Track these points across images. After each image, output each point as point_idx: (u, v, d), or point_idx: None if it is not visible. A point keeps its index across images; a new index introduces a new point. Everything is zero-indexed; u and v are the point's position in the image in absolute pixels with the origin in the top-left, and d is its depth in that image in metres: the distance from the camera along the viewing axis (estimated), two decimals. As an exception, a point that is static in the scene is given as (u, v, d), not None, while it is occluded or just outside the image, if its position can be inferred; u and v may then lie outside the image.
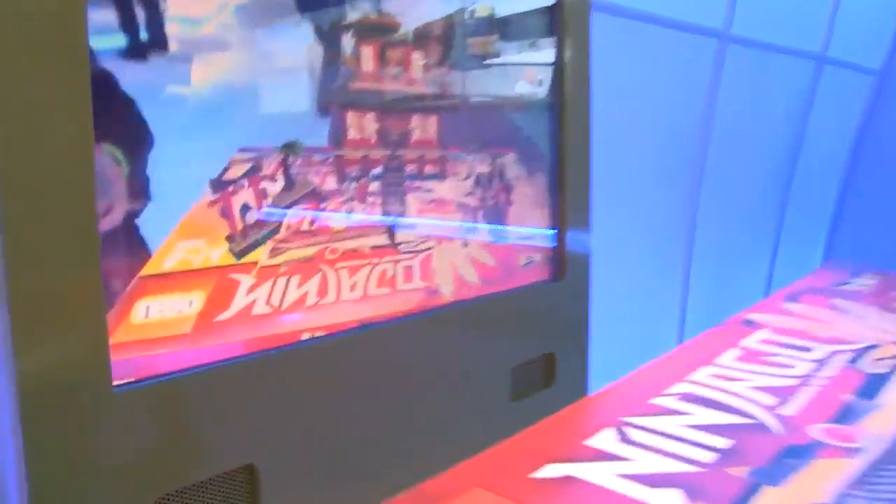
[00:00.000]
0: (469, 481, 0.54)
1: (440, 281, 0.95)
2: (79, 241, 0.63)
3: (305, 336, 0.82)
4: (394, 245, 0.89)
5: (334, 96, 0.82)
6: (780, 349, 0.63)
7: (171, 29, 0.70)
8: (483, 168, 1.00)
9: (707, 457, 0.47)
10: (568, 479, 0.48)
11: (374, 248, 0.87)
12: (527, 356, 1.06)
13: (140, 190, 0.69)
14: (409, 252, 0.91)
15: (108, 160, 0.66)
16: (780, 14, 2.01)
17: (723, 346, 0.63)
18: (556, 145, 1.09)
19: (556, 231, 1.09)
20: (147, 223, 0.70)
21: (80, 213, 0.63)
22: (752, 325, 0.68)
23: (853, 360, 0.60)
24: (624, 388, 0.57)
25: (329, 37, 0.81)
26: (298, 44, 0.79)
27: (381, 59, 0.87)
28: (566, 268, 1.09)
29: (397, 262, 0.90)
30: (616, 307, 1.71)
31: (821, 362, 0.59)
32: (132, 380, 0.68)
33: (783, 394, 0.54)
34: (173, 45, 0.70)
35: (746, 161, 2.11)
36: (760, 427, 0.49)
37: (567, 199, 1.09)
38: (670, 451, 0.47)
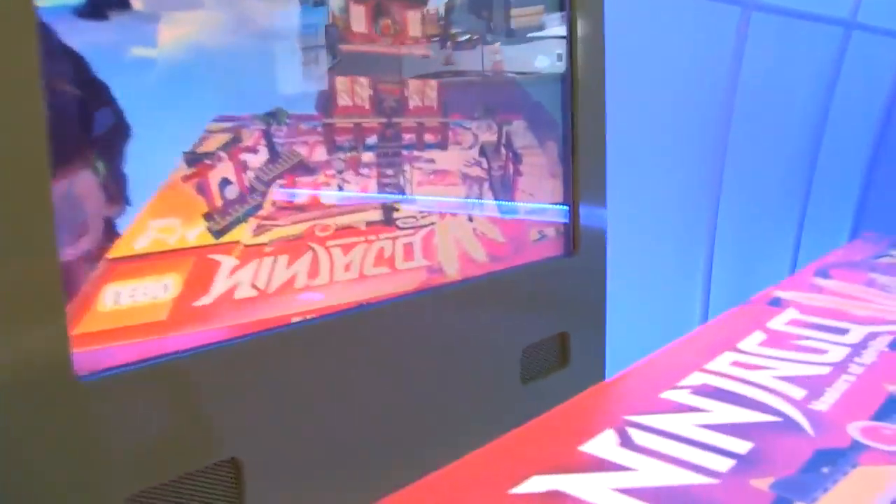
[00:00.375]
0: (437, 498, 0.46)
1: (444, 259, 0.88)
2: (31, 223, 0.57)
3: (295, 320, 0.75)
4: (392, 221, 0.82)
5: (322, 59, 0.75)
6: (810, 331, 0.55)
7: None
8: (489, 136, 0.92)
9: (723, 465, 0.39)
10: (555, 496, 0.40)
11: (370, 224, 0.80)
12: (538, 336, 1.00)
13: (105, 165, 0.62)
14: (409, 228, 0.84)
15: (66, 131, 0.59)
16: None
17: (746, 329, 0.55)
18: (568, 112, 1.01)
19: (568, 203, 1.02)
20: (113, 200, 0.64)
21: (32, 192, 0.57)
22: (779, 304, 0.60)
23: (895, 344, 0.52)
24: (632, 379, 0.49)
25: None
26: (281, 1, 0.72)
27: (375, 18, 0.79)
28: (579, 242, 1.02)
29: (396, 239, 0.83)
30: (638, 283, 1.65)
31: (858, 346, 0.51)
32: (99, 370, 0.62)
33: (815, 385, 0.46)
34: (136, 3, 0.63)
35: (771, 132, 2.02)
36: (788, 426, 0.41)
37: (580, 169, 1.01)
38: (680, 458, 0.39)
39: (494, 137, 0.93)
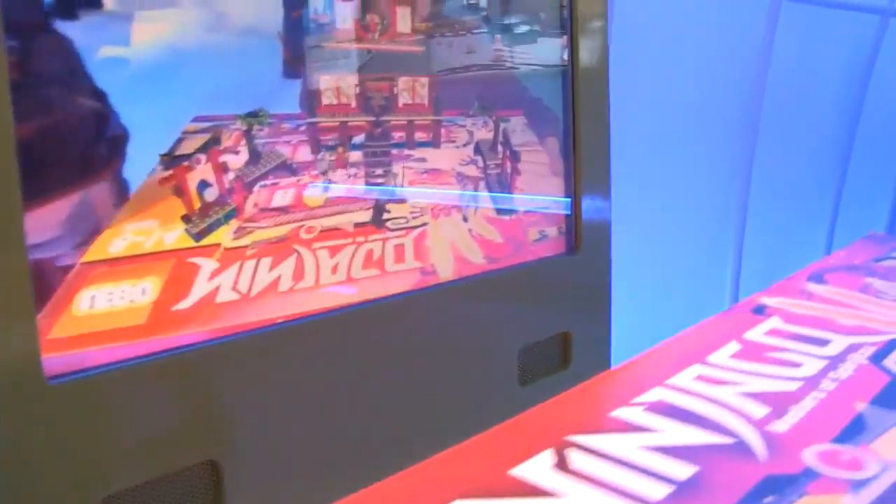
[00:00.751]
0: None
1: (437, 260, 0.85)
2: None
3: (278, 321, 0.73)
4: (381, 222, 0.80)
5: (305, 57, 0.73)
6: (789, 342, 0.52)
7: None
8: (485, 133, 0.89)
9: (660, 492, 0.36)
10: (470, 525, 0.37)
11: (358, 225, 0.78)
12: (537, 336, 0.97)
13: (77, 167, 0.61)
14: (400, 229, 0.82)
15: (35, 132, 0.58)
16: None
17: (722, 339, 0.52)
18: (569, 106, 0.98)
19: (569, 200, 0.99)
20: (87, 203, 0.62)
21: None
22: (762, 312, 0.57)
23: (877, 356, 0.49)
24: (585, 394, 0.46)
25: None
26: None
27: (362, 13, 0.77)
28: (581, 239, 0.99)
29: (386, 240, 0.80)
30: (664, 273, 1.61)
31: (836, 359, 0.48)
32: (70, 372, 0.61)
33: (780, 402, 0.43)
34: (108, 1, 0.61)
35: (804, 120, 1.98)
36: (740, 449, 0.38)
37: (582, 164, 0.98)
38: (615, 485, 0.36)
39: (490, 134, 0.90)
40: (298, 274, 0.74)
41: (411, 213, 0.83)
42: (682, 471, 0.37)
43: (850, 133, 2.15)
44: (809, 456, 0.38)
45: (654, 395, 0.42)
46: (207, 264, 0.69)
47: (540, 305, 0.97)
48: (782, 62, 1.78)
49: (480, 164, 0.89)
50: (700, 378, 0.45)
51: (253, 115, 0.69)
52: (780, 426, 0.40)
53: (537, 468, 0.37)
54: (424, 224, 0.84)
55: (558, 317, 0.99)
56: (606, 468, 0.37)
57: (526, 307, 0.95)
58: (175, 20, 0.65)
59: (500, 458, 0.37)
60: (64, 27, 0.59)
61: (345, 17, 0.76)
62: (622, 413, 0.41)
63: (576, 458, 0.37)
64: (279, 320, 0.73)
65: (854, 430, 0.39)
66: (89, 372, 0.62)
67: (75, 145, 0.60)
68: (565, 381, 0.94)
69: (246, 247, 0.71)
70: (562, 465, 0.37)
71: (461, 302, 0.88)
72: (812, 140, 2.10)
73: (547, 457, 0.38)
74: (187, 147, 0.66)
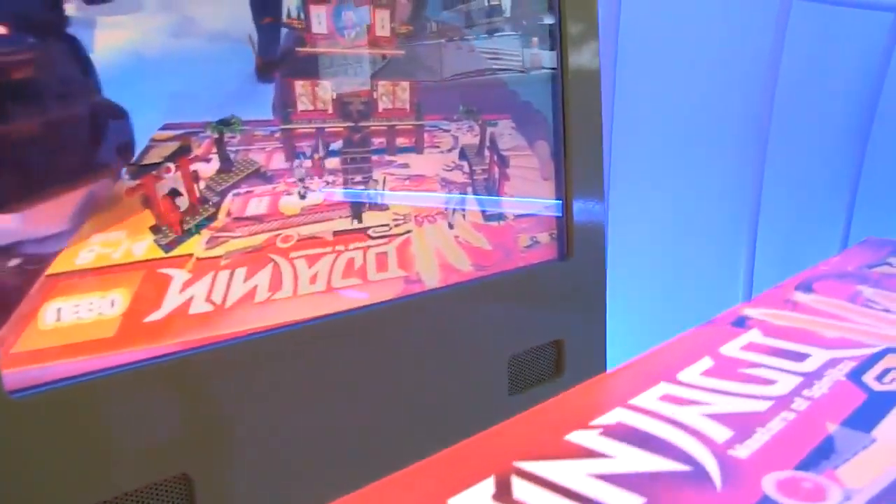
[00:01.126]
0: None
1: (422, 269, 0.83)
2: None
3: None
4: (362, 230, 0.78)
5: (278, 62, 0.71)
6: (766, 357, 0.49)
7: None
8: (470, 138, 0.87)
9: None
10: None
11: (338, 233, 0.76)
12: (528, 345, 0.94)
13: (42, 176, 0.60)
14: (382, 237, 0.79)
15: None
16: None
17: (695, 354, 0.49)
18: (559, 108, 0.95)
19: (561, 205, 0.96)
20: (51, 213, 0.60)
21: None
22: (743, 325, 0.54)
23: (855, 372, 0.46)
24: (544, 413, 0.44)
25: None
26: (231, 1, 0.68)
27: (337, 16, 0.75)
28: (573, 245, 0.96)
29: (367, 248, 0.78)
30: (675, 276, 1.59)
31: (812, 375, 0.45)
32: (33, 386, 0.59)
33: (746, 424, 0.40)
34: (69, 7, 0.60)
35: (817, 119, 1.95)
36: (696, 476, 0.36)
37: (573, 168, 0.96)
38: None
39: (476, 139, 0.88)
40: (276, 284, 0.72)
41: (394, 220, 0.80)
42: (629, 502, 0.34)
43: (864, 132, 2.11)
44: (768, 484, 0.35)
45: (614, 416, 0.40)
46: (179, 275, 0.67)
47: (531, 313, 0.94)
48: (795, 61, 1.75)
49: (466, 169, 0.87)
50: (666, 398, 0.42)
51: (225, 123, 0.67)
52: (742, 451, 0.37)
53: (477, 497, 0.34)
54: (408, 232, 0.82)
55: (550, 324, 0.97)
56: (549, 498, 0.34)
57: (516, 315, 0.92)
58: (141, 26, 0.63)
59: (440, 485, 0.34)
60: (26, 34, 0.57)
61: (320, 20, 0.73)
62: (577, 436, 0.38)
63: (518, 487, 0.35)
64: (254, 330, 0.71)
65: (821, 455, 0.36)
66: (54, 385, 0.60)
67: (37, 153, 0.59)
68: (559, 390, 0.92)
69: (220, 257, 0.69)
70: (502, 494, 0.34)
71: (447, 310, 0.85)
72: (825, 139, 2.07)
73: (489, 485, 0.35)
74: (156, 155, 0.64)
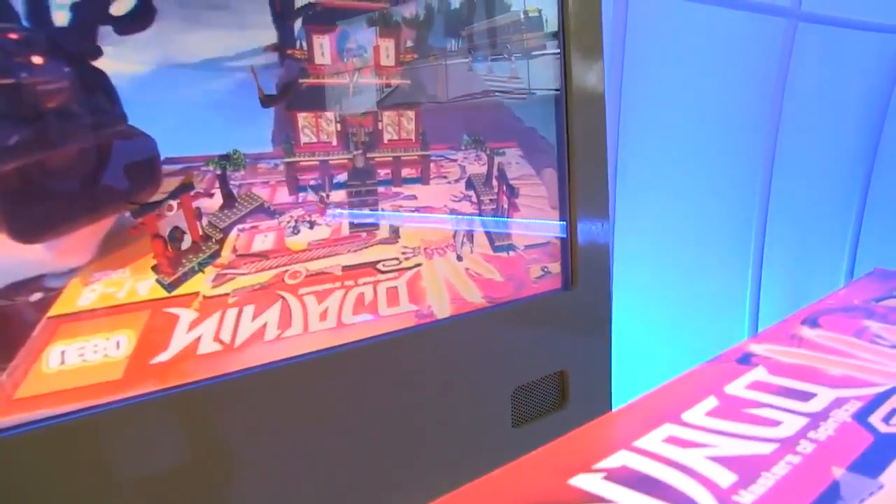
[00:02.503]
0: None
1: (434, 302, 0.82)
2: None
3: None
4: (372, 263, 0.77)
5: (281, 94, 0.70)
6: (771, 397, 0.48)
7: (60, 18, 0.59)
8: (478, 167, 0.86)
9: None
10: None
11: (347, 268, 0.75)
12: (531, 376, 0.93)
13: (41, 214, 0.59)
14: (392, 271, 0.79)
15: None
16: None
17: (700, 393, 0.48)
18: (564, 138, 0.95)
19: (565, 234, 0.95)
20: (51, 253, 0.60)
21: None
22: (748, 362, 0.53)
23: (863, 413, 0.45)
24: (550, 455, 0.43)
25: (272, 23, 0.70)
26: (233, 33, 0.68)
27: (340, 48, 0.74)
28: (577, 275, 0.95)
29: (377, 283, 0.77)
30: (678, 306, 1.58)
31: (818, 416, 0.44)
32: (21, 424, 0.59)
33: (751, 468, 0.39)
34: (69, 45, 0.60)
35: (823, 141, 1.93)
36: None
37: (577, 196, 0.95)
38: None
39: (484, 168, 0.87)
40: (285, 321, 0.71)
41: (403, 253, 0.80)
42: (630, 553, 0.33)
43: (870, 156, 2.10)
44: (774, 535, 0.34)
45: (619, 459, 0.39)
46: (186, 314, 0.66)
47: (534, 344, 0.93)
48: (800, 87, 1.74)
49: (474, 199, 0.86)
50: (670, 439, 0.41)
51: (226, 158, 0.67)
52: (747, 497, 0.36)
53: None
54: (418, 265, 0.81)
55: (554, 355, 0.96)
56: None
57: (519, 346, 0.91)
58: (141, 58, 0.63)
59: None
60: (23, 68, 0.57)
61: (323, 50, 0.73)
62: (580, 480, 0.37)
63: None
64: (260, 364, 0.70)
65: (826, 501, 0.35)
66: (45, 423, 0.60)
67: (35, 191, 0.58)
68: (563, 421, 0.91)
69: (227, 295, 0.68)
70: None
71: (451, 341, 0.85)
72: (831, 165, 2.06)
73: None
74: (157, 192, 0.64)
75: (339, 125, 0.74)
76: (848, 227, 2.11)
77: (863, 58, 1.94)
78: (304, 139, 0.72)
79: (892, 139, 2.06)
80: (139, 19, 0.61)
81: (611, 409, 1.01)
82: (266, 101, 0.69)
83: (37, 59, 0.57)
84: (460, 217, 0.85)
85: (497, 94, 0.88)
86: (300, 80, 0.71)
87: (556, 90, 0.93)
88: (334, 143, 0.74)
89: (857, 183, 2.08)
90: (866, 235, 2.11)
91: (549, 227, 0.93)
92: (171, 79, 0.64)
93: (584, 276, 0.95)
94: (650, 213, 1.50)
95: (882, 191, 2.10)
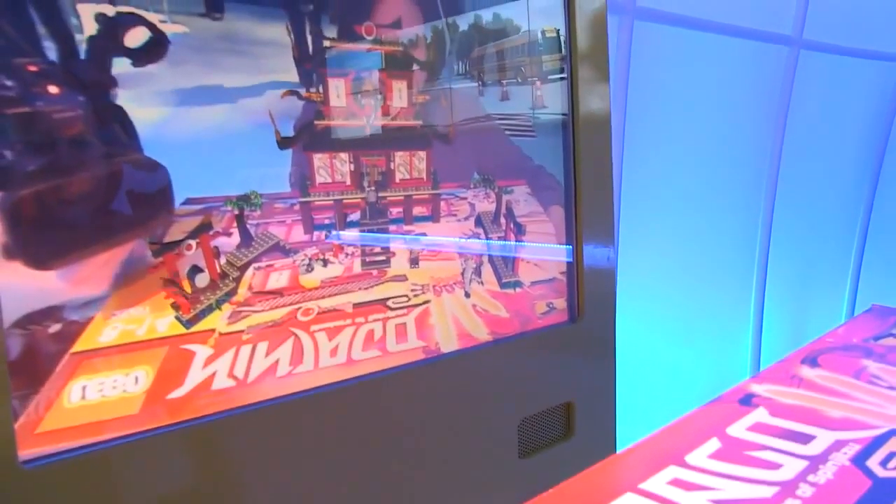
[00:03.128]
0: None
1: (441, 338, 0.84)
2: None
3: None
4: (382, 300, 0.79)
5: (297, 136, 0.72)
6: (772, 439, 0.49)
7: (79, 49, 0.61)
8: (486, 205, 0.88)
9: None
10: None
11: (358, 305, 0.77)
12: (537, 408, 0.94)
13: (63, 253, 0.61)
14: (401, 307, 0.80)
15: (17, 214, 0.58)
16: (856, 16, 1.86)
17: (703, 435, 0.50)
18: (569, 170, 0.96)
19: (571, 267, 0.97)
20: (75, 291, 0.61)
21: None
22: (749, 403, 0.55)
23: (861, 456, 0.46)
24: (558, 497, 0.44)
25: (287, 67, 0.72)
26: (249, 77, 0.70)
27: (354, 91, 0.76)
28: (584, 307, 0.97)
29: (387, 320, 0.79)
30: (683, 334, 1.59)
31: (817, 459, 0.46)
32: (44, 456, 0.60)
33: None
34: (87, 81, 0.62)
35: (824, 173, 1.95)
36: None
37: (582, 231, 0.96)
38: None
39: (492, 206, 0.89)
40: (297, 358, 0.73)
41: (412, 290, 0.81)
42: None
43: (872, 184, 2.11)
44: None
45: (625, 501, 0.41)
46: (202, 351, 0.68)
47: (540, 376, 0.94)
48: (802, 118, 1.76)
49: (483, 236, 0.88)
50: (675, 482, 0.43)
51: (244, 199, 0.69)
52: (747, 542, 0.38)
53: None
54: (426, 302, 0.82)
55: (561, 386, 0.97)
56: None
57: (526, 377, 0.93)
58: (162, 99, 0.65)
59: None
60: (42, 102, 0.59)
61: (337, 93, 0.75)
62: (586, 526, 0.39)
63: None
64: (270, 397, 0.72)
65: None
66: (68, 455, 0.61)
67: (57, 230, 0.60)
68: (568, 452, 0.93)
69: (241, 331, 0.70)
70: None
71: (458, 374, 0.86)
72: (833, 193, 2.07)
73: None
74: (177, 231, 0.65)
75: (352, 165, 0.76)
76: (850, 257, 2.12)
77: (864, 87, 1.95)
78: (319, 179, 0.74)
79: (893, 169, 2.07)
80: (154, 52, 0.63)
81: (615, 439, 1.02)
82: (283, 143, 0.70)
83: (53, 90, 0.58)
84: (469, 254, 0.86)
85: (504, 130, 0.89)
86: (315, 122, 0.73)
87: (564, 123, 0.95)
88: (348, 182, 0.76)
89: (859, 211, 2.09)
90: (868, 266, 2.12)
91: (556, 258, 0.95)
92: (189, 119, 0.66)
93: (589, 307, 0.97)
94: (651, 245, 1.51)
95: (883, 221, 2.11)
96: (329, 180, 0.74)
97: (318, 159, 0.74)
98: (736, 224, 1.74)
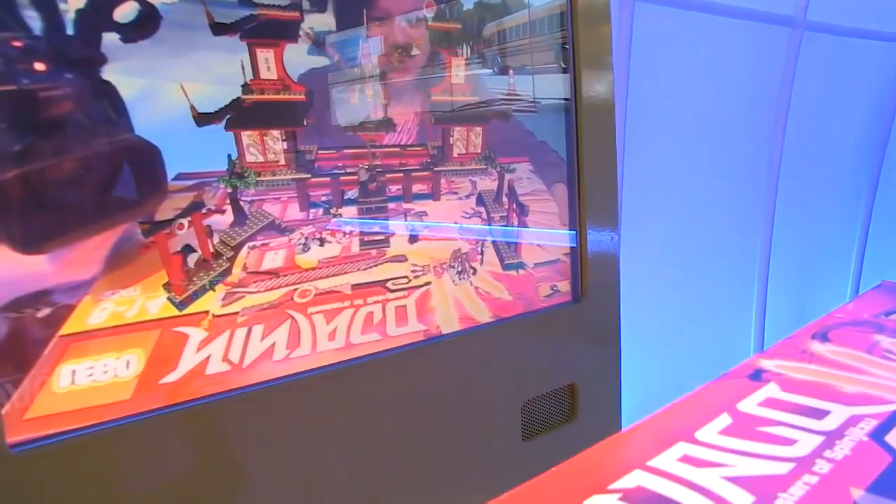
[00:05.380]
0: None
1: (442, 321, 0.82)
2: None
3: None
4: (381, 282, 0.77)
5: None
6: (785, 414, 0.47)
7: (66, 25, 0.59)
8: (488, 183, 0.86)
9: None
10: None
11: (357, 286, 0.75)
12: (540, 390, 0.93)
13: (49, 235, 0.59)
14: (402, 289, 0.79)
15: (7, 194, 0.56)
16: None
17: (713, 411, 0.48)
18: (572, 147, 0.94)
19: (575, 246, 0.95)
20: (62, 271, 0.60)
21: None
22: (760, 378, 0.53)
23: (879, 431, 0.44)
24: (566, 474, 0.43)
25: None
26: (239, 52, 0.68)
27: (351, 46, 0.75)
28: (587, 287, 0.95)
29: (386, 302, 0.77)
30: (683, 321, 1.58)
31: (833, 434, 0.44)
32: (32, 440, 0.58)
33: (768, 489, 0.39)
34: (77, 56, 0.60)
35: (828, 151, 1.93)
36: None
37: (586, 208, 0.94)
38: None
39: (494, 184, 0.87)
40: (294, 341, 0.71)
41: (412, 271, 0.79)
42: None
43: (876, 166, 2.09)
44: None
45: (633, 479, 0.39)
46: (196, 333, 0.66)
47: (543, 358, 0.93)
48: (806, 96, 1.74)
49: (484, 215, 0.86)
50: (685, 459, 0.41)
51: (238, 174, 0.67)
52: (765, 518, 0.36)
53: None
54: (427, 283, 0.81)
55: (564, 367, 0.95)
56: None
57: (529, 359, 0.91)
58: (154, 73, 0.63)
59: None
60: (27, 80, 0.57)
61: (336, 61, 0.73)
62: (596, 502, 0.37)
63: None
64: (268, 379, 0.70)
65: (847, 524, 0.35)
66: (57, 439, 0.60)
67: (45, 207, 0.58)
68: (572, 435, 0.91)
69: (236, 314, 0.68)
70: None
71: (460, 355, 0.84)
72: (836, 175, 2.05)
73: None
74: (169, 208, 0.63)
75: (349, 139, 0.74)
76: (854, 237, 2.10)
77: (868, 67, 1.94)
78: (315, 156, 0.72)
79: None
80: (144, 27, 0.61)
81: (620, 421, 1.00)
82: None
83: (39, 66, 0.56)
84: (471, 234, 0.84)
85: (506, 107, 0.87)
86: (311, 94, 0.71)
87: (566, 103, 0.93)
88: (344, 161, 0.74)
89: (863, 199, 2.07)
90: (872, 246, 2.11)
91: (559, 238, 0.93)
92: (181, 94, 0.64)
93: (593, 288, 0.95)
94: (655, 225, 1.50)
95: (888, 201, 2.10)
96: (325, 156, 0.72)
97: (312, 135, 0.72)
98: (739, 205, 1.72)
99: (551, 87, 0.91)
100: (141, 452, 0.63)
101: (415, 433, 0.79)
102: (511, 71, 0.87)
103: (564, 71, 0.92)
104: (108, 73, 0.60)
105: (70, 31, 0.58)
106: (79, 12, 0.58)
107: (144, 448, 0.63)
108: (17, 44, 0.56)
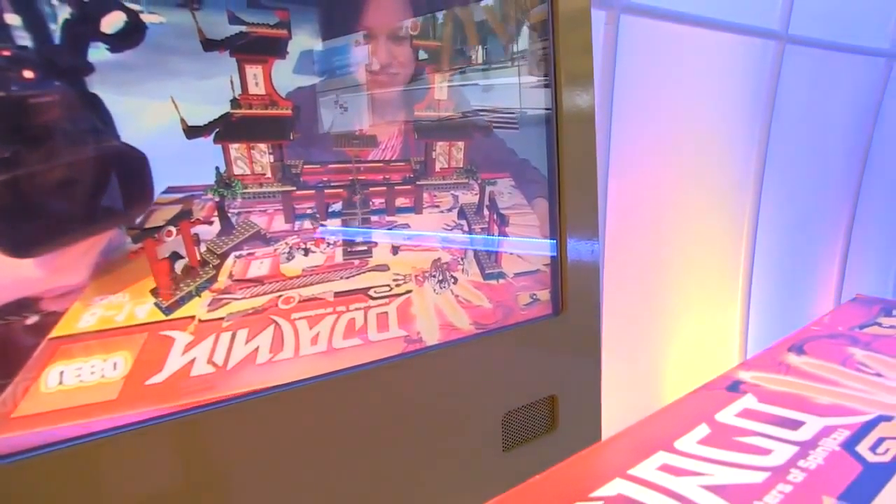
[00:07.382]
0: None
1: (423, 328, 0.83)
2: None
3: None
4: (363, 290, 0.78)
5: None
6: (761, 425, 0.49)
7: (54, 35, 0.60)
8: (470, 197, 0.88)
9: None
10: None
11: (339, 294, 0.76)
12: (521, 401, 0.94)
13: (44, 240, 0.60)
14: (383, 297, 0.80)
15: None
16: (843, 12, 1.87)
17: (692, 421, 0.50)
18: (552, 162, 0.96)
19: (555, 260, 0.96)
20: (53, 277, 0.60)
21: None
22: (737, 389, 0.55)
23: (851, 442, 0.46)
24: (546, 483, 0.44)
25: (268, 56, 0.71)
26: (229, 68, 0.69)
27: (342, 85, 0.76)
28: (567, 300, 0.96)
29: (368, 309, 0.78)
30: (669, 330, 1.59)
31: (807, 444, 0.45)
32: (23, 450, 0.60)
33: (744, 497, 0.40)
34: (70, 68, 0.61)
35: (811, 161, 1.96)
36: None
37: (566, 222, 0.96)
38: None
39: (476, 198, 0.88)
40: (277, 345, 0.72)
41: (394, 280, 0.81)
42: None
43: (857, 176, 2.12)
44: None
45: (614, 487, 0.40)
46: (182, 337, 0.67)
47: (524, 370, 0.94)
48: (789, 108, 1.76)
49: (465, 227, 0.87)
50: (664, 468, 0.43)
51: (226, 186, 0.68)
52: (739, 526, 0.37)
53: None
54: (409, 292, 0.82)
55: (544, 379, 0.96)
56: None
57: (509, 372, 0.92)
58: (145, 87, 0.64)
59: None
60: (17, 88, 0.58)
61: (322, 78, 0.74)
62: (576, 510, 0.38)
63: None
64: (255, 391, 0.71)
65: (817, 532, 0.36)
66: (48, 449, 0.60)
67: (38, 216, 0.59)
68: (553, 445, 0.92)
69: (221, 319, 0.69)
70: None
71: (442, 367, 0.86)
72: (820, 185, 2.08)
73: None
74: (158, 218, 0.64)
75: (333, 155, 0.75)
76: (836, 248, 2.12)
77: (849, 80, 1.96)
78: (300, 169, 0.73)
79: (878, 161, 2.08)
80: (131, 37, 0.62)
81: (600, 432, 1.02)
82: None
83: (28, 75, 0.57)
84: (452, 244, 0.86)
85: (488, 122, 0.89)
86: (296, 110, 0.72)
87: (547, 117, 0.94)
88: (329, 175, 0.75)
89: (845, 208, 2.10)
90: (854, 256, 2.13)
91: (540, 247, 0.94)
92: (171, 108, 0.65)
93: (573, 301, 0.96)
94: (639, 235, 1.51)
95: (870, 211, 2.12)
96: (310, 169, 0.74)
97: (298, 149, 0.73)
98: (723, 216, 1.74)
99: (533, 101, 0.93)
100: (124, 465, 0.65)
101: (396, 444, 0.80)
102: (492, 88, 0.88)
103: (546, 86, 0.93)
104: (101, 89, 0.60)
105: (58, 41, 0.58)
106: (66, 23, 0.58)
107: (127, 460, 0.65)
108: (7, 52, 0.56)
